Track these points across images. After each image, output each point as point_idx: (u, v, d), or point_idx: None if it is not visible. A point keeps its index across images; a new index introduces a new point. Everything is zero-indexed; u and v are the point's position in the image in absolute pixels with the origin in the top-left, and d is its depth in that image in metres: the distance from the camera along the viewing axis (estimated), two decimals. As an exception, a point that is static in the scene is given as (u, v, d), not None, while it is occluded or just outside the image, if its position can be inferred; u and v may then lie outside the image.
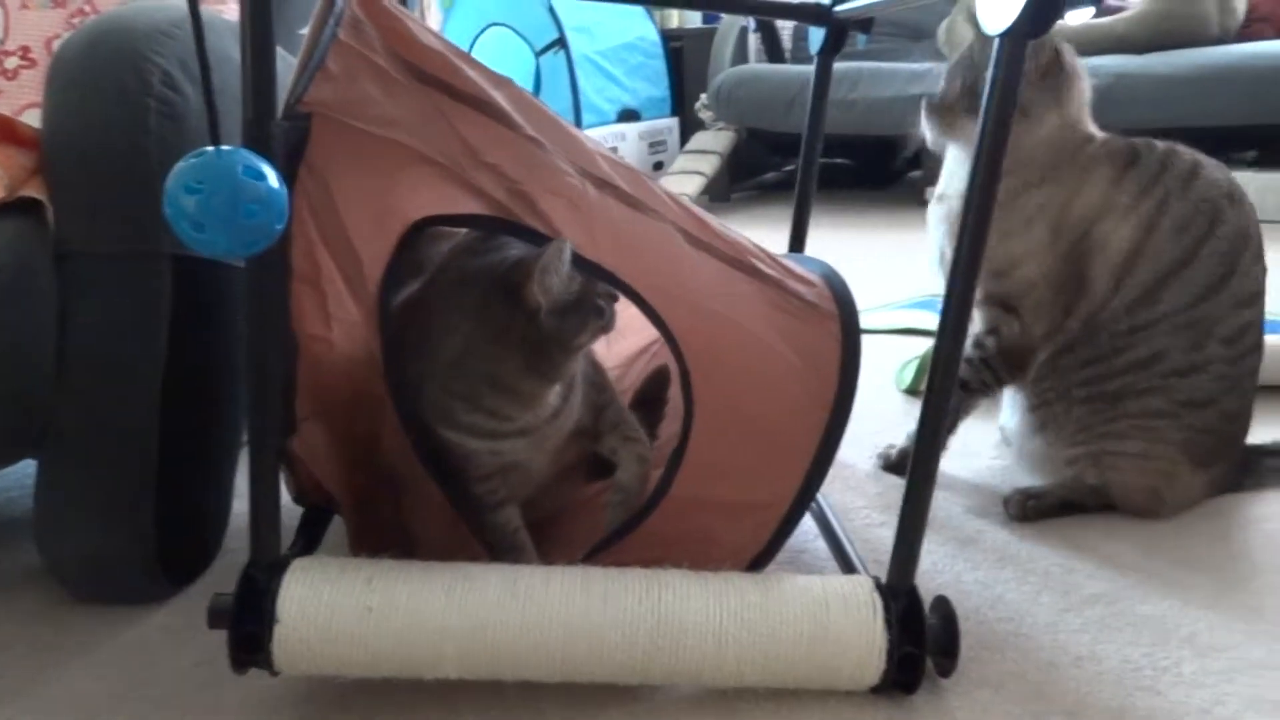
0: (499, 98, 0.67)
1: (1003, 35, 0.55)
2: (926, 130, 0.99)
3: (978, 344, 0.97)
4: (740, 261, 0.73)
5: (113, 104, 0.75)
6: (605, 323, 0.70)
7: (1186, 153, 0.93)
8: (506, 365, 0.69)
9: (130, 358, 0.77)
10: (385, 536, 0.76)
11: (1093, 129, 0.96)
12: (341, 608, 0.62)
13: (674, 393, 0.88)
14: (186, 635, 0.77)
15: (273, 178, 0.54)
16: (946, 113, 0.97)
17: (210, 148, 0.53)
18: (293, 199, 0.63)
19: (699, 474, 0.70)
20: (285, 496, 0.70)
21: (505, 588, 0.64)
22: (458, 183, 0.66)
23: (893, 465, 1.08)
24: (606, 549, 0.72)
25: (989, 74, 0.57)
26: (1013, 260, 0.93)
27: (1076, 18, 0.72)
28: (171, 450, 0.78)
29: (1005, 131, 0.58)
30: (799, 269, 0.78)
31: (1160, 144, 0.93)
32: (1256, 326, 0.93)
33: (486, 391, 0.70)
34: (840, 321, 0.73)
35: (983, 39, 0.92)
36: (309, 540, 0.80)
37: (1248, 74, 2.43)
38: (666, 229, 0.70)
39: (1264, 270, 0.93)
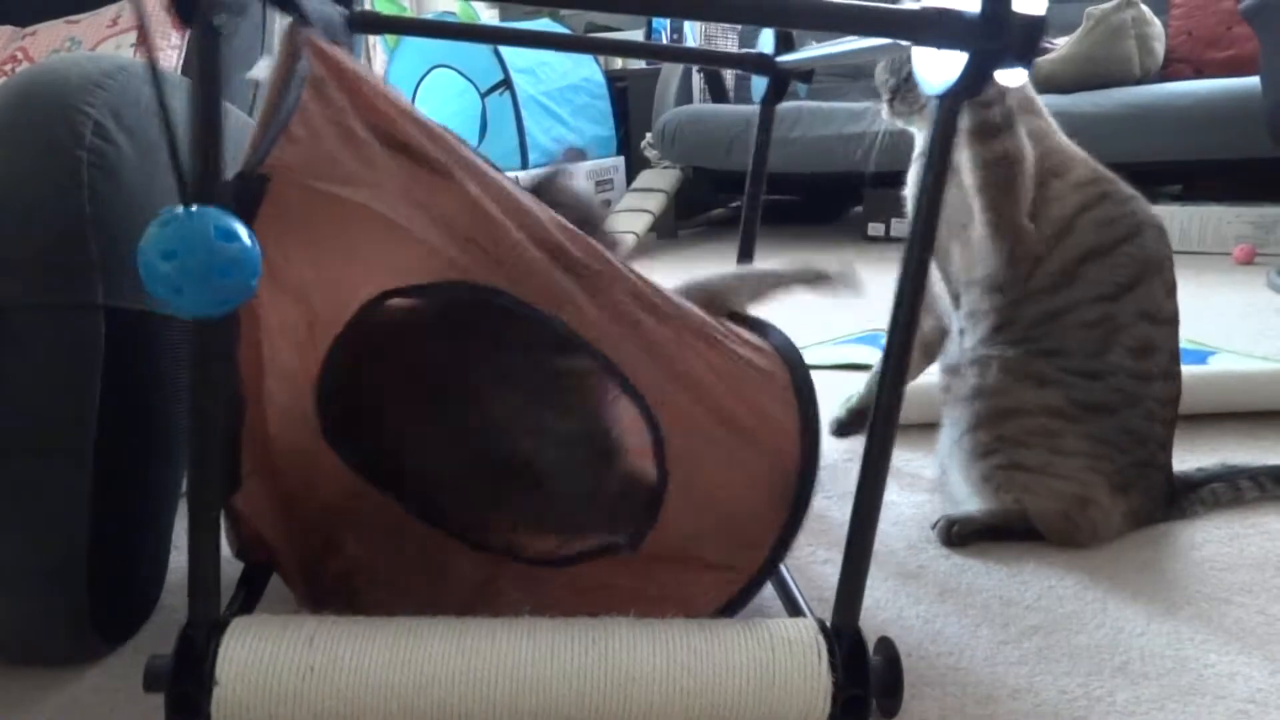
0: (451, 164, 0.66)
1: (941, 96, 0.57)
2: (891, 120, 1.08)
3: None
4: (692, 328, 0.72)
5: (43, 156, 0.74)
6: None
7: (1132, 190, 1.01)
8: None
9: (62, 411, 0.76)
10: (332, 595, 0.76)
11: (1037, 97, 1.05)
12: (282, 668, 0.61)
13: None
14: (121, 696, 0.75)
15: (244, 235, 0.54)
16: (902, 98, 1.06)
17: (179, 209, 0.53)
18: None
19: (669, 537, 0.70)
20: (226, 550, 0.68)
21: (451, 641, 0.63)
22: (421, 246, 0.65)
23: (844, 426, 1.13)
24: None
25: (929, 132, 0.59)
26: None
27: (1010, 79, 0.75)
28: (105, 506, 0.77)
29: (943, 183, 0.59)
30: (746, 334, 0.77)
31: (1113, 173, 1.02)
32: (1167, 352, 0.97)
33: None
34: (794, 387, 0.73)
35: None
36: (249, 595, 0.78)
37: (1169, 112, 2.53)
38: (619, 294, 0.68)
39: (1173, 306, 0.99)
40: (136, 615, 0.85)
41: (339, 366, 0.71)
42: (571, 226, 0.70)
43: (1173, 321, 0.98)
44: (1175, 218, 2.60)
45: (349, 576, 0.78)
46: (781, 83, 1.00)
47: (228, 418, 0.67)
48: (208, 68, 0.57)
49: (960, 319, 1.05)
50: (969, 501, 1.03)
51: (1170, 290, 0.98)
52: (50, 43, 1.41)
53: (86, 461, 0.75)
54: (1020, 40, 0.54)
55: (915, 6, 0.56)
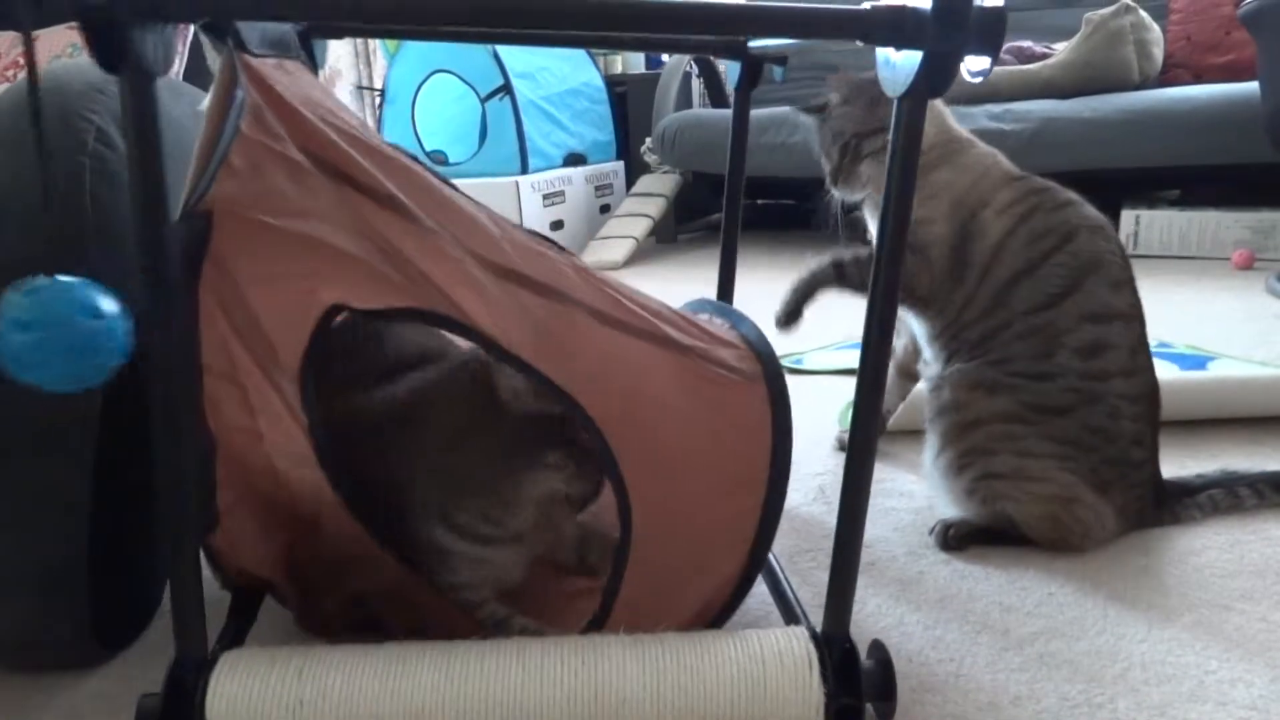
0: (395, 188, 0.64)
1: (901, 97, 0.57)
2: (840, 197, 1.13)
3: None
4: (657, 335, 0.70)
5: (40, 162, 0.74)
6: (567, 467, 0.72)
7: (1069, 193, 1.03)
8: (485, 466, 0.71)
9: (65, 419, 0.76)
10: (331, 622, 0.76)
11: (965, 133, 1.10)
12: (272, 704, 0.61)
13: None
14: (121, 702, 0.75)
15: (113, 313, 0.50)
16: (844, 178, 1.11)
17: (46, 279, 0.50)
18: (197, 297, 0.62)
19: (645, 568, 0.70)
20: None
21: (440, 669, 0.63)
22: (370, 274, 0.64)
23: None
24: None
25: (890, 135, 0.58)
26: (920, 219, 1.02)
27: (974, 65, 0.74)
28: (106, 512, 0.77)
29: (911, 183, 0.59)
30: (719, 331, 0.76)
31: (1052, 183, 1.05)
32: (1125, 349, 0.97)
33: (473, 490, 0.72)
34: (766, 383, 0.72)
35: (833, 105, 1.11)
36: (240, 626, 0.77)
37: (1168, 117, 2.53)
38: (577, 313, 0.67)
39: (1126, 300, 0.99)
40: (137, 622, 0.85)
41: (318, 397, 0.70)
42: (532, 243, 0.69)
43: (1127, 316, 0.98)
44: (1174, 222, 2.60)
45: (348, 608, 0.79)
46: (755, 68, 1.00)
47: (199, 459, 0.66)
48: (143, 113, 0.53)
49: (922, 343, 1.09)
50: (949, 509, 1.03)
51: (1118, 285, 0.98)
52: (52, 48, 1.41)
53: (87, 466, 0.75)
54: (979, 35, 0.52)
55: (868, 6, 0.55)
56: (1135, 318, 0.99)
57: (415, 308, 0.64)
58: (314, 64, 0.82)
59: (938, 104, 1.08)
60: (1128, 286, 0.99)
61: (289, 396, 0.70)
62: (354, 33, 0.99)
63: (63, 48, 1.39)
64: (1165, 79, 2.85)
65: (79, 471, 0.75)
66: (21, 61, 1.29)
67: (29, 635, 0.78)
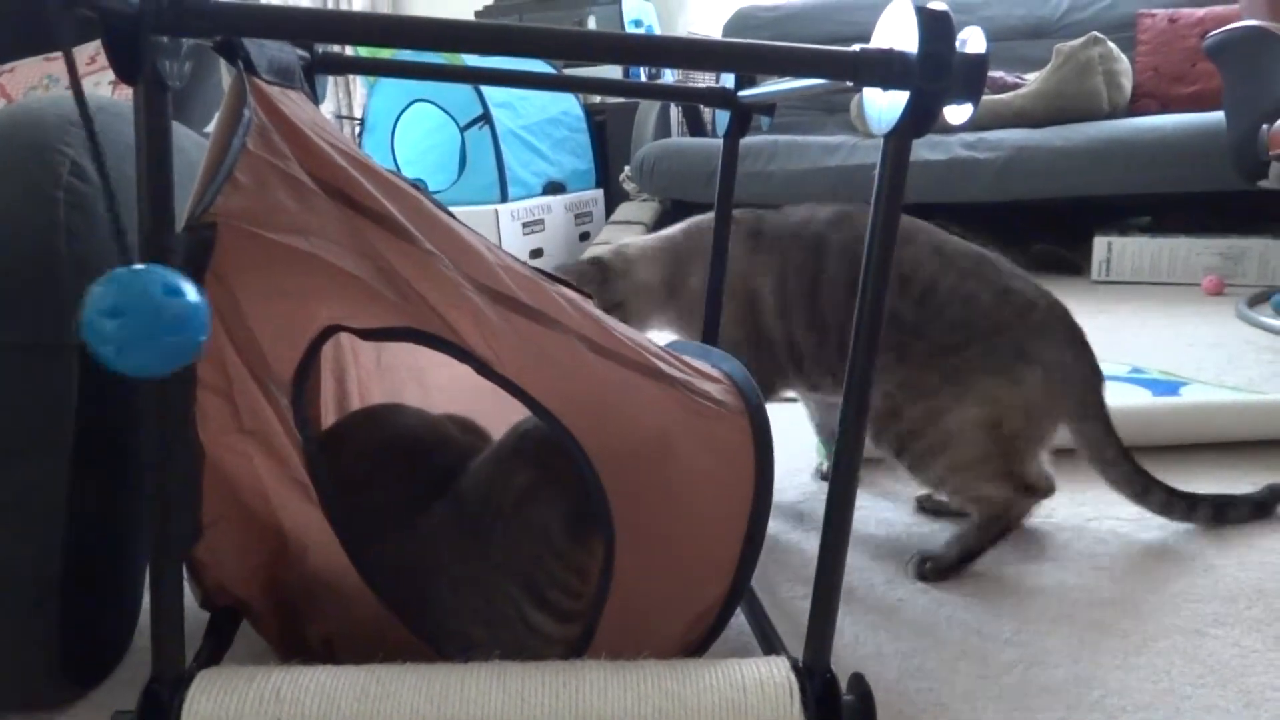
0: (395, 210, 0.66)
1: (888, 135, 0.58)
2: None
3: None
4: (646, 366, 0.71)
5: (20, 196, 0.74)
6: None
7: (794, 210, 1.09)
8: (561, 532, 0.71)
9: (34, 451, 0.75)
10: (311, 648, 0.75)
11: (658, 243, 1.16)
12: None
13: None
14: (91, 737, 0.74)
15: (191, 291, 0.53)
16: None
17: (123, 268, 0.52)
18: None
19: (627, 596, 0.70)
20: (191, 601, 0.68)
21: (420, 691, 0.62)
22: (368, 293, 0.65)
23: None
24: None
25: (876, 172, 0.60)
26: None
27: (955, 115, 0.75)
28: (77, 548, 0.76)
29: (895, 218, 0.60)
30: (702, 365, 0.77)
31: (788, 208, 1.10)
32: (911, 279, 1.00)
33: (549, 564, 0.72)
34: (749, 416, 0.73)
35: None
36: (216, 646, 0.77)
37: (1137, 146, 2.58)
38: (569, 340, 0.68)
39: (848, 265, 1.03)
40: (108, 658, 0.84)
41: (307, 420, 0.70)
42: (526, 270, 0.70)
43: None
44: (1145, 249, 2.65)
45: (330, 641, 0.78)
46: (744, 117, 1.02)
47: (187, 468, 0.66)
48: (155, 123, 0.56)
49: None
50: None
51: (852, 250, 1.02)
52: (28, 80, 1.41)
53: (58, 502, 0.74)
54: (963, 79, 0.55)
55: (858, 48, 0.57)
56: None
57: (410, 327, 0.65)
58: (315, 96, 0.83)
59: (643, 243, 1.16)
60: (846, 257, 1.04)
61: (284, 412, 0.70)
62: (358, 70, 1.01)
63: (39, 79, 1.39)
64: (1134, 109, 2.91)
65: (50, 500, 0.74)
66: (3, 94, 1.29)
67: (-3, 673, 0.76)
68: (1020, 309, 0.99)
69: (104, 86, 1.34)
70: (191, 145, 0.83)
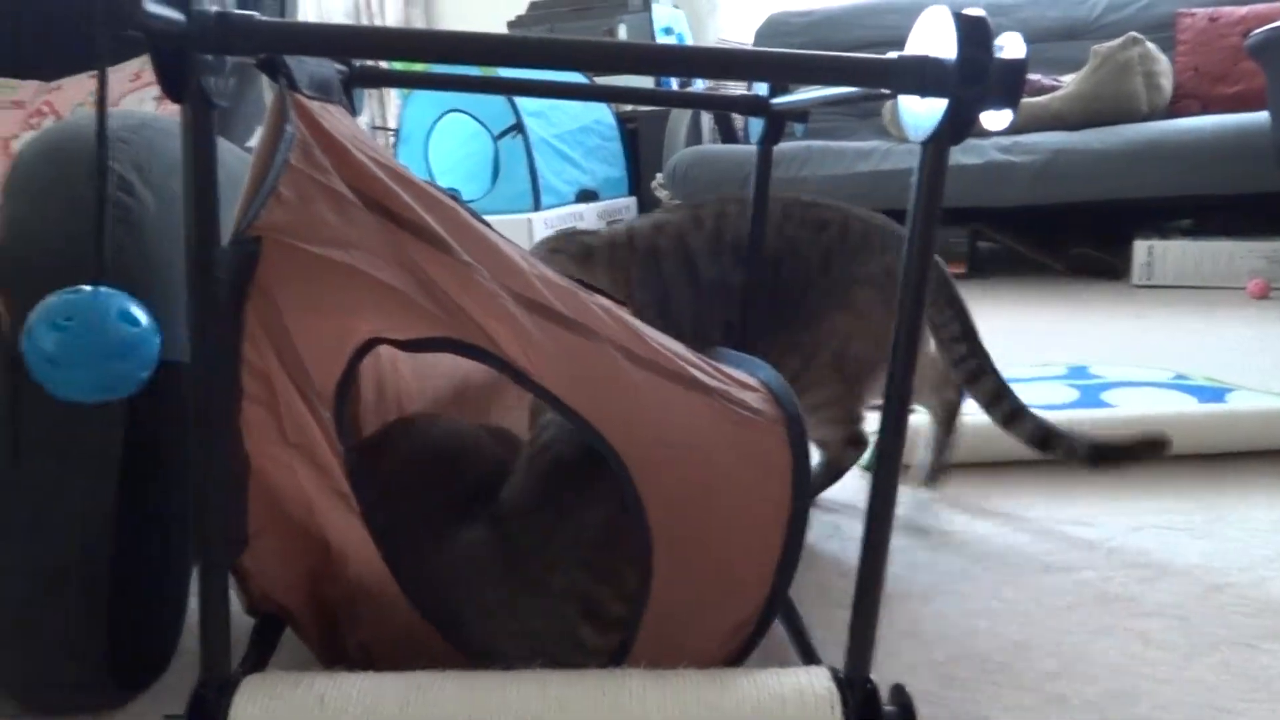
0: (433, 222, 0.67)
1: (925, 142, 0.58)
2: None
3: None
4: (683, 376, 0.71)
5: (68, 211, 0.76)
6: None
7: (650, 216, 1.10)
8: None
9: (85, 459, 0.76)
10: (350, 657, 0.75)
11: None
12: None
13: None
14: (138, 743, 0.75)
15: (146, 323, 0.52)
16: None
17: (87, 286, 0.52)
18: (243, 319, 0.64)
19: (665, 608, 0.69)
20: (237, 607, 0.69)
21: (461, 698, 0.63)
22: (408, 305, 0.66)
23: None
24: None
25: (914, 179, 0.60)
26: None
27: (994, 122, 0.75)
28: (125, 553, 0.77)
29: (934, 221, 0.60)
30: (739, 374, 0.77)
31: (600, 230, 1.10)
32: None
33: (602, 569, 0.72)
34: (786, 424, 0.73)
35: None
36: (262, 652, 0.78)
37: (1177, 148, 2.54)
38: (606, 349, 0.68)
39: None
40: (155, 662, 0.85)
41: (349, 432, 0.71)
42: (562, 280, 0.70)
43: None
44: (1187, 252, 2.60)
45: (368, 648, 0.78)
46: (777, 124, 1.02)
47: (232, 478, 0.67)
48: (201, 140, 0.57)
49: None
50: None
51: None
52: (75, 97, 1.44)
53: (108, 509, 0.75)
54: (1000, 84, 0.54)
55: (894, 55, 0.57)
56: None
57: (449, 338, 0.66)
58: (353, 109, 0.85)
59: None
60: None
61: (326, 424, 0.71)
62: (394, 83, 1.03)
63: (85, 96, 1.42)
64: (1174, 110, 2.87)
65: (100, 507, 0.75)
66: (45, 111, 1.32)
67: (44, 674, 0.77)
68: (836, 235, 1.02)
69: (149, 103, 1.37)
70: (234, 160, 0.84)
